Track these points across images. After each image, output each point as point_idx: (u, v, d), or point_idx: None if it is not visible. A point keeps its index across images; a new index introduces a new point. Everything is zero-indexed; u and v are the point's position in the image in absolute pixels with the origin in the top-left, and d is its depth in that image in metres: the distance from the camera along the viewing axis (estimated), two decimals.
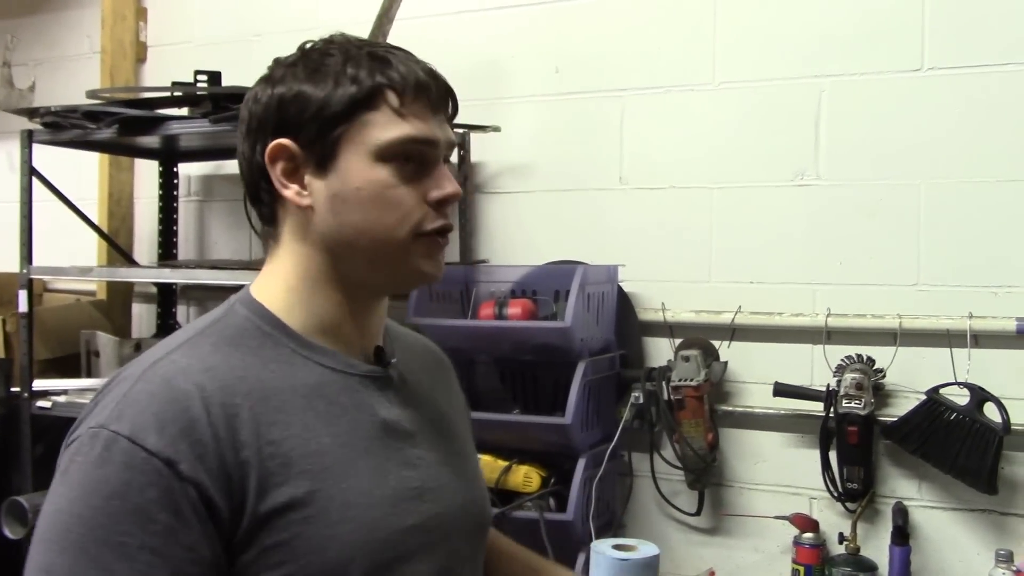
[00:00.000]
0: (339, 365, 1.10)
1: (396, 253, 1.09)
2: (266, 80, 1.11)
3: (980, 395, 2.13)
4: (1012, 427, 2.08)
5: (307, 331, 1.10)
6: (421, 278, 1.13)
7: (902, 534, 2.19)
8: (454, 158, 2.28)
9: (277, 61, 1.12)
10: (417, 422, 1.16)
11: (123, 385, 1.00)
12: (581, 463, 2.27)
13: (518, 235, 2.70)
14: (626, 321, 2.51)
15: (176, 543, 0.93)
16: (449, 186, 1.10)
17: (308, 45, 1.11)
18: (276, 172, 1.08)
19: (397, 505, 1.07)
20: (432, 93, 1.09)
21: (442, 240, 1.12)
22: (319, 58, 1.08)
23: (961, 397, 2.15)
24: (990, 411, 2.12)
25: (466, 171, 2.69)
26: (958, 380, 2.17)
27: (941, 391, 2.18)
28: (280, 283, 1.11)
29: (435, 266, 1.12)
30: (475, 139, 2.70)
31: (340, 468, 1.04)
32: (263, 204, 1.13)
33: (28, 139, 2.65)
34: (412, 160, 1.08)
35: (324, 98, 1.06)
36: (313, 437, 1.03)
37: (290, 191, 1.09)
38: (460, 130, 2.62)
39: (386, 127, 1.06)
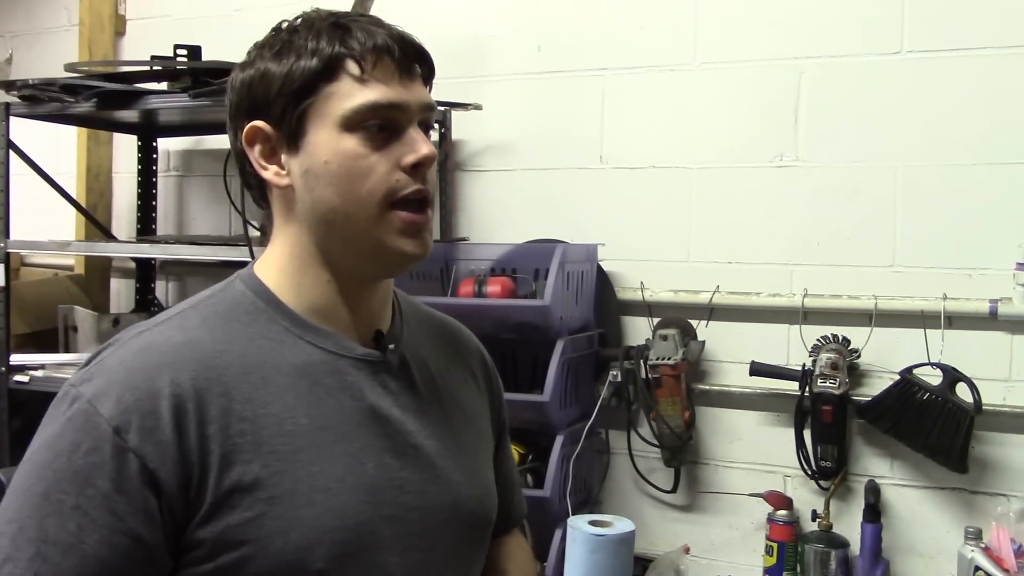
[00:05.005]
0: (331, 346, 1.08)
1: (370, 230, 1.04)
2: (241, 64, 1.09)
3: (953, 375, 2.16)
4: (983, 407, 2.11)
5: (302, 311, 1.08)
6: (403, 259, 1.07)
7: (874, 511, 2.23)
8: (435, 136, 2.27)
9: (254, 44, 1.10)
10: (415, 411, 1.13)
11: (106, 350, 1.03)
12: (559, 440, 2.29)
13: (498, 213, 2.71)
14: (605, 300, 2.52)
15: (108, 511, 0.93)
16: (424, 148, 1.05)
17: (283, 24, 1.09)
18: (254, 155, 1.08)
19: (373, 494, 1.05)
20: (396, 55, 1.05)
21: (420, 216, 1.06)
22: (287, 36, 1.06)
23: (934, 377, 2.18)
24: (962, 391, 2.15)
25: (447, 149, 2.69)
26: (931, 361, 2.20)
27: (915, 371, 2.20)
28: (274, 264, 1.11)
29: (417, 245, 1.07)
30: (456, 117, 2.70)
31: (313, 451, 1.02)
32: (253, 188, 1.13)
33: (5, 112, 2.63)
34: (382, 128, 1.04)
35: (286, 74, 1.04)
36: (289, 417, 1.02)
37: (269, 172, 1.07)
38: (441, 108, 2.61)
39: (348, 96, 1.03)
